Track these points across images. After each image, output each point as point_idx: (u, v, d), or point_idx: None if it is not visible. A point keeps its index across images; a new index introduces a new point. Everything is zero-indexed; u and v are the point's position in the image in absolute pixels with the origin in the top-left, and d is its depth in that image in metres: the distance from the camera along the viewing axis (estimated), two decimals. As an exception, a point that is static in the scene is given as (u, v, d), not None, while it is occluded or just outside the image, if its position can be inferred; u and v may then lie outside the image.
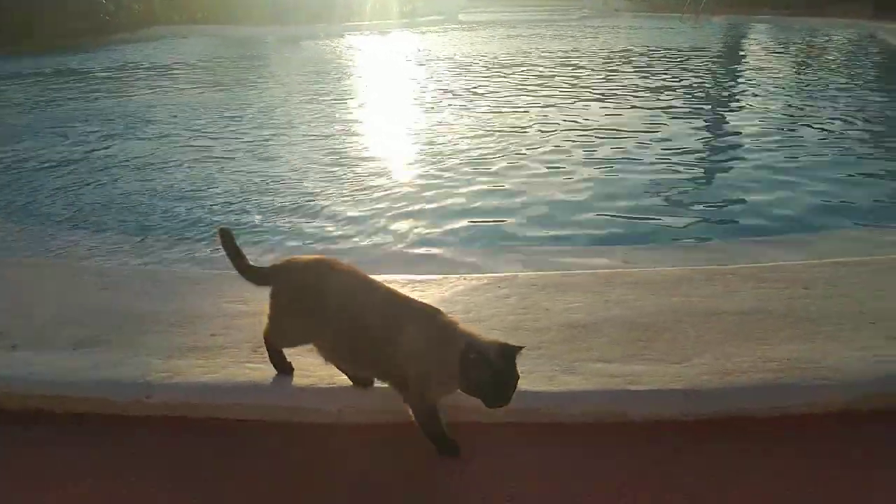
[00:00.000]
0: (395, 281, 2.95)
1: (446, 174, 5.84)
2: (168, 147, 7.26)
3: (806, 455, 2.00)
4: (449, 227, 4.60)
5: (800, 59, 15.55)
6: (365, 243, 4.38)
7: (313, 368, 2.26)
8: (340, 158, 6.56)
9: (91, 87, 11.86)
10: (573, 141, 6.87)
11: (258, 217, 4.92)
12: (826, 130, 7.37)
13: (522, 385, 1.94)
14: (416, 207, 5.00)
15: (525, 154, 6.42)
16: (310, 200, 5.29)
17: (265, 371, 2.27)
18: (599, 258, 3.74)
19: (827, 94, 9.92)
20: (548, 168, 5.97)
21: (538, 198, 5.10)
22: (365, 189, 5.51)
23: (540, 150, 6.56)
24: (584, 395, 2.11)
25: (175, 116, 8.96)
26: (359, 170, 6.13)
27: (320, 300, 2.02)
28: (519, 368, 1.82)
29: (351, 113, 9.22)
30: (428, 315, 1.93)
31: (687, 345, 2.40)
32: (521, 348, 1.82)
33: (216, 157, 6.71)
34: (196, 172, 6.18)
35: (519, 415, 2.05)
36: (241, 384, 2.22)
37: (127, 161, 6.65)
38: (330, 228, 4.67)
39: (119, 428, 2.19)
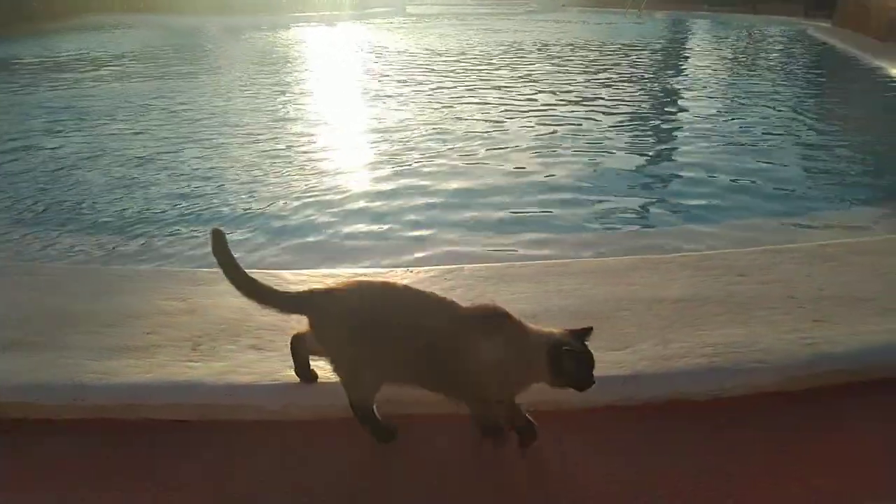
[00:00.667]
0: (341, 276, 2.92)
1: (390, 167, 5.81)
2: (104, 141, 6.99)
3: (742, 434, 2.07)
4: (397, 219, 4.57)
5: (737, 54, 16.11)
6: (306, 239, 4.31)
7: (253, 365, 2.21)
8: (280, 152, 6.46)
9: (22, 79, 11.32)
10: (515, 132, 6.93)
11: (190, 207, 4.80)
12: (761, 122, 7.66)
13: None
14: (361, 202, 4.97)
15: (465, 145, 6.44)
16: (254, 193, 5.19)
17: (203, 369, 2.20)
18: (544, 249, 3.78)
19: (762, 88, 10.31)
20: (490, 159, 5.99)
21: (481, 188, 5.13)
22: (307, 183, 5.44)
23: (478, 141, 6.58)
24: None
25: (112, 109, 8.63)
26: (300, 163, 6.06)
27: (386, 326, 1.85)
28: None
29: (289, 106, 9.07)
30: (498, 320, 1.85)
31: (628, 332, 2.45)
32: (590, 329, 1.87)
33: (150, 152, 6.49)
34: (128, 168, 5.99)
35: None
36: (178, 383, 2.15)
37: (63, 157, 6.38)
38: (273, 223, 4.59)
39: (49, 433, 2.09)
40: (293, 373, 2.13)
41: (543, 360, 1.79)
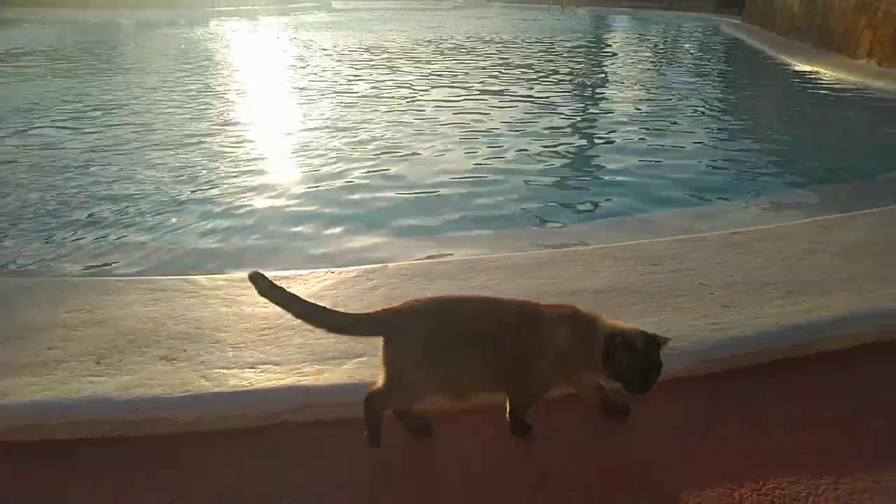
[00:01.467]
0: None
1: (309, 168, 5.71)
2: (5, 144, 6.55)
3: (655, 418, 2.13)
4: (318, 219, 4.48)
5: (655, 47, 16.68)
6: (221, 243, 4.17)
7: (163, 377, 2.12)
8: (197, 153, 6.24)
9: None
10: (435, 130, 6.92)
11: (92, 214, 4.57)
12: (676, 114, 7.96)
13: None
14: (281, 202, 4.85)
15: (384, 143, 6.37)
16: (173, 197, 4.98)
17: (109, 383, 2.09)
18: (467, 246, 3.80)
19: (678, 80, 10.73)
20: (405, 158, 5.94)
21: (400, 186, 5.09)
22: (224, 186, 5.26)
23: (398, 138, 6.53)
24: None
25: (17, 110, 8.09)
26: (218, 163, 5.86)
27: (456, 336, 1.83)
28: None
29: (207, 107, 8.76)
30: (565, 316, 1.87)
31: (548, 325, 2.47)
32: (666, 340, 1.84)
33: (54, 157, 6.13)
34: (34, 173, 5.62)
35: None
36: (81, 400, 2.03)
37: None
38: (190, 227, 4.43)
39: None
40: (205, 382, 2.05)
41: (600, 349, 1.81)
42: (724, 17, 20.74)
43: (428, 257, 3.53)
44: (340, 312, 1.90)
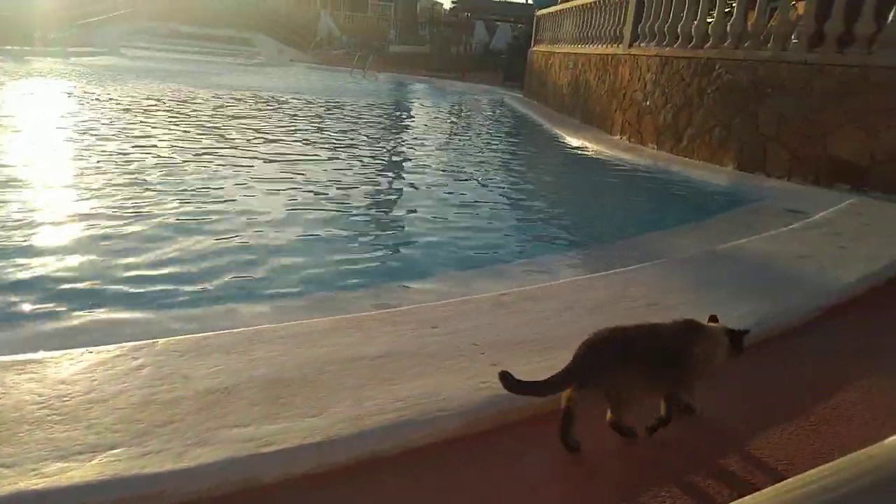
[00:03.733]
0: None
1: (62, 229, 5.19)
2: None
3: (434, 482, 2.21)
4: (71, 292, 4.02)
5: (450, 116, 17.93)
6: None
7: None
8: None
9: None
10: (218, 193, 6.67)
11: None
12: (465, 181, 8.58)
13: (144, 469, 1.81)
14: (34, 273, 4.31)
15: (155, 206, 5.94)
16: None
17: None
18: (246, 315, 3.67)
19: (474, 146, 11.63)
20: (176, 221, 5.57)
21: (163, 252, 4.76)
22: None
23: (170, 202, 6.10)
24: (211, 467, 2.01)
25: None
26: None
27: (644, 351, 2.34)
28: (147, 448, 1.86)
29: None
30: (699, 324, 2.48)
31: (326, 395, 2.48)
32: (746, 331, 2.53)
33: None
34: None
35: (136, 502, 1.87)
36: None
37: None
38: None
39: None
40: None
41: (726, 343, 2.44)
42: (508, 91, 23.03)
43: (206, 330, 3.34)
44: (544, 380, 2.32)
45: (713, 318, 2.56)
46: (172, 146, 8.87)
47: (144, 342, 2.84)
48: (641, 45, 11.07)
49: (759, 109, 8.30)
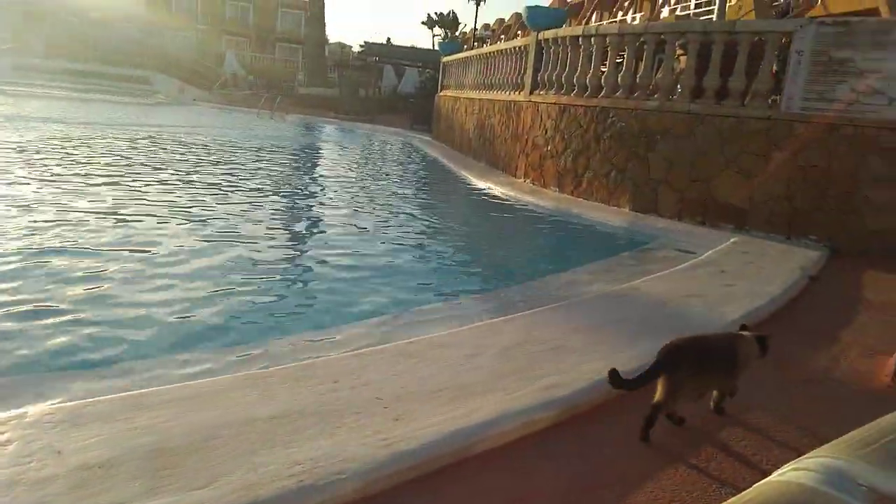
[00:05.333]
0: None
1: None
2: None
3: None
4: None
5: (359, 158, 17.93)
6: None
7: None
8: None
9: None
10: (106, 234, 6.35)
11: None
12: (382, 220, 8.55)
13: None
14: None
15: (56, 259, 5.57)
16: None
17: None
18: (127, 377, 3.41)
19: (382, 190, 11.61)
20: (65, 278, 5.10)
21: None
22: None
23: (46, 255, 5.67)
24: (79, 557, 1.82)
25: None
26: None
27: (714, 352, 3.04)
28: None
29: None
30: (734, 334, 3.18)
31: (216, 463, 2.32)
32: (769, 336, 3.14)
33: None
34: None
35: None
36: None
37: None
38: None
39: None
40: None
41: (756, 347, 3.06)
42: (417, 133, 23.38)
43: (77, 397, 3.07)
44: (638, 377, 2.82)
45: (744, 328, 3.23)
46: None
47: (13, 412, 2.58)
48: (541, 92, 11.57)
49: (649, 154, 8.83)
